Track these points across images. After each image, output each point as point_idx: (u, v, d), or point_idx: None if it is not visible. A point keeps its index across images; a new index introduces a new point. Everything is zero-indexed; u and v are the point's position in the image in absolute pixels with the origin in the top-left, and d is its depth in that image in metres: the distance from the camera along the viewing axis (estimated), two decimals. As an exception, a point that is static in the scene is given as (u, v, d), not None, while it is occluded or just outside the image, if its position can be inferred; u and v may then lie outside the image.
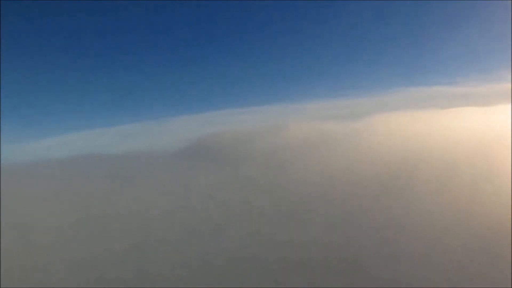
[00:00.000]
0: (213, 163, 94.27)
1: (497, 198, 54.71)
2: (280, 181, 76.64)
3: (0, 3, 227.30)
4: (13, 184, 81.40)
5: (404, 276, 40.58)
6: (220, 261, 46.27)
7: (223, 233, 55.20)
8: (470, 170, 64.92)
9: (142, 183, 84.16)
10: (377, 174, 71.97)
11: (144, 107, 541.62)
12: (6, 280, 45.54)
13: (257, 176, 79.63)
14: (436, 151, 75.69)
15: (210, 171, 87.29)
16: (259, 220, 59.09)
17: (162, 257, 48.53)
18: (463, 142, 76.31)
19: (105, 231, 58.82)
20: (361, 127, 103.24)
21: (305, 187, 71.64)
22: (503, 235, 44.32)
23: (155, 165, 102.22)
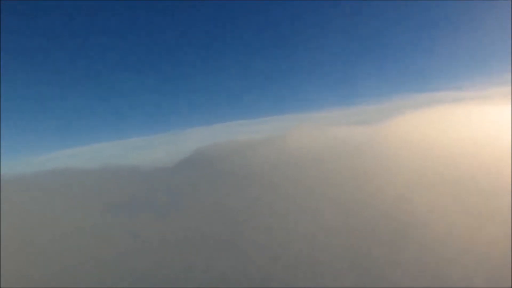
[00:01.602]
0: (209, 175, 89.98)
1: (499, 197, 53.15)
2: (293, 190, 70.84)
3: (0, 3, 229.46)
4: (14, 196, 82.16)
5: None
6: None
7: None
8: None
9: (134, 196, 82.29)
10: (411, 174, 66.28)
11: (152, 120, 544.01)
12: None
13: (264, 186, 75.17)
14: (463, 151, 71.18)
15: (202, 185, 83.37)
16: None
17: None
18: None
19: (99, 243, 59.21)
20: (378, 131, 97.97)
21: (327, 196, 65.24)
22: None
23: (148, 179, 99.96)
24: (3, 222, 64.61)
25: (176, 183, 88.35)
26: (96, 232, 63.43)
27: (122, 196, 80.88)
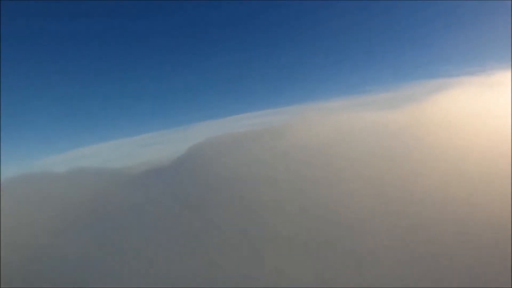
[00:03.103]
0: (207, 172, 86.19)
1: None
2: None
3: (0, 3, 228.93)
4: (14, 198, 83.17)
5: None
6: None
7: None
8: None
9: (129, 199, 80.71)
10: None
11: (151, 117, 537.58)
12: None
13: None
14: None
15: (200, 182, 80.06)
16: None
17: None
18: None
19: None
20: (392, 118, 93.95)
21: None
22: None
23: (145, 180, 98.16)
24: (3, 223, 65.44)
25: (173, 182, 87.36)
26: (92, 234, 63.17)
27: (119, 199, 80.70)
